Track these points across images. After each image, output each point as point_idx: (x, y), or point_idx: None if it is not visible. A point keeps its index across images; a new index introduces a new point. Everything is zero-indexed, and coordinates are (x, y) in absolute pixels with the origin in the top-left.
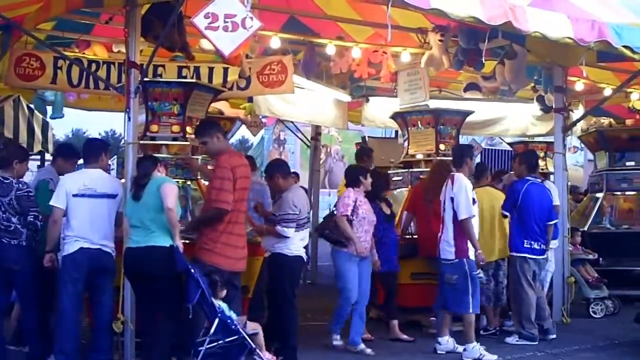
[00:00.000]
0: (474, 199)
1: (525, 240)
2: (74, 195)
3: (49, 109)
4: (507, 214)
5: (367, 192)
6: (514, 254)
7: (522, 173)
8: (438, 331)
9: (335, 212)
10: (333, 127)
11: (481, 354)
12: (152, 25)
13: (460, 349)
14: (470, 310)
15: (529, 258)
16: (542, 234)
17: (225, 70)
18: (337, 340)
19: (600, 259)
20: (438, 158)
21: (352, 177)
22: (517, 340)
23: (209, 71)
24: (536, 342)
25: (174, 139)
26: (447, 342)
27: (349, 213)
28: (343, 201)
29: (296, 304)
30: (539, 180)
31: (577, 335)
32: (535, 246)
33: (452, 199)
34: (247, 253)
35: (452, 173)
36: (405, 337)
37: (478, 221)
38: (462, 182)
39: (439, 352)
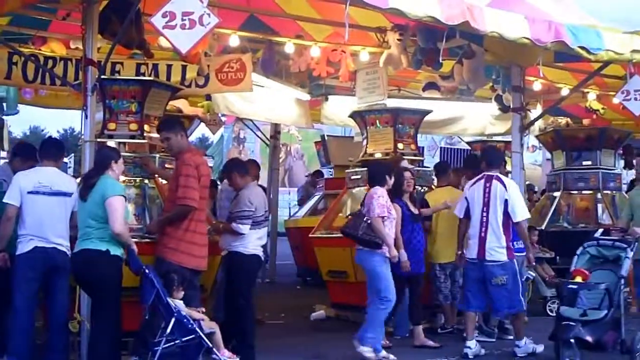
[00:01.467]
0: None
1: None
2: (29, 192)
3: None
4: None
5: (388, 190)
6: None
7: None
8: (468, 333)
9: (362, 212)
10: (295, 125)
11: (534, 347)
12: (110, 22)
13: (482, 351)
14: (524, 308)
15: None
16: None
17: (184, 68)
18: (371, 352)
19: (557, 257)
20: (396, 156)
21: (379, 175)
22: (476, 336)
23: (168, 69)
24: (494, 340)
25: (132, 137)
26: (525, 343)
27: (386, 214)
28: (378, 201)
29: (253, 303)
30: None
31: (535, 333)
32: None
33: (506, 201)
34: (208, 251)
35: (490, 174)
36: (431, 343)
37: (434, 221)
38: (513, 184)
39: (470, 356)
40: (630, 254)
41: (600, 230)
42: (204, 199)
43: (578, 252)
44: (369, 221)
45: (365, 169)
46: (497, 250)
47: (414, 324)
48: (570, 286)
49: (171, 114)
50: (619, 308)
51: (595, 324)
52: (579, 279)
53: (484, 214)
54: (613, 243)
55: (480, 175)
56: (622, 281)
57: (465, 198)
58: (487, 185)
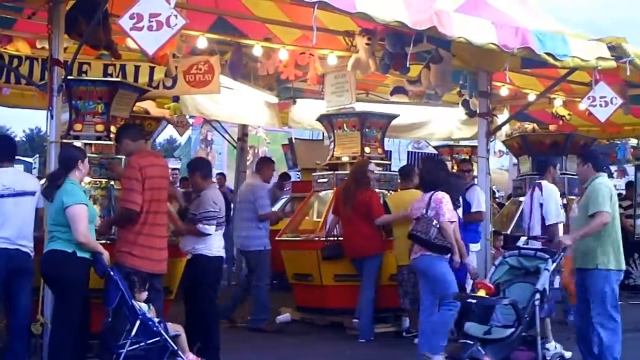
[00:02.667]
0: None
1: None
2: None
3: None
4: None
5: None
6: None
7: None
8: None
9: (428, 216)
10: (266, 126)
11: (559, 351)
12: (77, 22)
13: (567, 354)
14: (552, 310)
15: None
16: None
17: (152, 69)
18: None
19: None
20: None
21: (433, 183)
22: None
23: (135, 70)
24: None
25: (98, 138)
26: (555, 347)
27: (455, 218)
28: (447, 206)
29: (217, 304)
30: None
31: None
32: None
33: (541, 205)
34: (169, 254)
35: (538, 181)
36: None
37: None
38: (551, 190)
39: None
40: (552, 266)
41: (524, 238)
42: (160, 201)
43: (496, 262)
44: (438, 225)
45: (332, 172)
46: None
47: None
48: (469, 301)
49: (138, 115)
50: (533, 326)
51: (500, 344)
52: (481, 293)
53: (529, 220)
54: (535, 253)
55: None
56: (538, 296)
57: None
58: (532, 192)
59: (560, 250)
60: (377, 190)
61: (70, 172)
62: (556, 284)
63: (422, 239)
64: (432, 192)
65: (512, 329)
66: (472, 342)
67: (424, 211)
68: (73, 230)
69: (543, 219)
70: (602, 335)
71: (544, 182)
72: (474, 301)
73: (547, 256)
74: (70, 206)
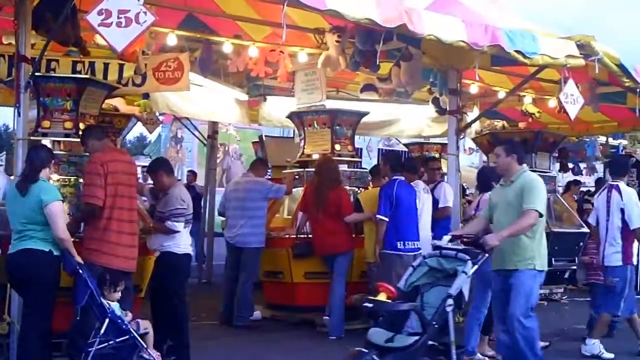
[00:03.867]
0: None
1: (399, 242)
2: None
3: None
4: (385, 218)
5: None
6: (387, 251)
7: (387, 173)
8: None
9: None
10: (235, 123)
11: (600, 351)
12: (44, 18)
13: (606, 355)
14: (619, 313)
15: (400, 255)
16: (415, 232)
17: (121, 66)
18: None
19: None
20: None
21: (488, 182)
22: None
23: (104, 67)
24: None
25: (67, 136)
26: (593, 344)
27: None
28: None
29: (186, 302)
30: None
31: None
32: (409, 245)
33: (622, 210)
34: (139, 252)
35: (612, 183)
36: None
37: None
38: (630, 193)
39: (583, 352)
40: (471, 269)
41: (447, 237)
42: (124, 196)
43: (415, 263)
44: None
45: (303, 169)
46: (614, 255)
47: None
48: (366, 305)
49: (107, 112)
50: (446, 334)
51: (401, 353)
52: (382, 297)
53: (606, 222)
54: (456, 254)
55: (605, 185)
56: (450, 301)
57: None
58: (609, 194)
59: (483, 252)
60: (347, 187)
61: (42, 171)
62: None
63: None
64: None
65: (416, 337)
66: (367, 351)
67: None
68: (53, 227)
69: (623, 223)
70: (522, 334)
71: (622, 185)
72: (370, 305)
73: (467, 258)
74: (50, 203)
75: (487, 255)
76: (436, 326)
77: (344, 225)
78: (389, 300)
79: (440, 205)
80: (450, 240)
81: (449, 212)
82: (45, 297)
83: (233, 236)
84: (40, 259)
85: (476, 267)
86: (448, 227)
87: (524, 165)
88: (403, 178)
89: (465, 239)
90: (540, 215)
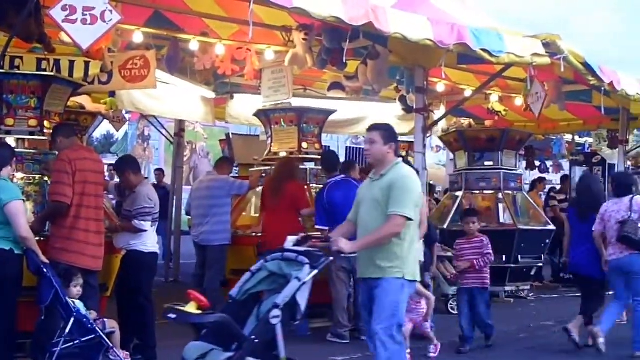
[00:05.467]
0: None
1: None
2: None
3: None
4: (325, 228)
5: None
6: None
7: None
8: None
9: (632, 219)
10: (201, 122)
11: None
12: (7, 13)
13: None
14: None
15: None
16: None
17: (87, 64)
18: None
19: None
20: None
21: (629, 186)
22: (330, 337)
23: (70, 64)
24: (347, 341)
25: (31, 134)
26: None
27: None
28: None
29: (153, 300)
30: (341, 177)
31: (436, 331)
32: None
33: None
34: (105, 251)
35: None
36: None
37: None
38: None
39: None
40: (307, 275)
41: (294, 237)
42: (91, 195)
43: (254, 268)
44: None
45: (270, 167)
46: None
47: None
48: (169, 316)
49: (73, 110)
50: (273, 349)
51: None
52: (191, 307)
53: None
54: (297, 257)
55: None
56: (277, 312)
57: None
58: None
59: (329, 255)
60: (315, 185)
61: (3, 170)
62: None
63: (633, 240)
64: (631, 196)
65: (231, 354)
66: None
67: (628, 214)
68: (15, 226)
69: None
70: (385, 356)
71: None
72: (172, 316)
73: (306, 261)
74: (10, 202)
75: (330, 258)
76: (257, 341)
77: (297, 220)
78: (197, 311)
79: None
80: (303, 241)
81: None
82: (8, 297)
83: (198, 234)
84: (2, 257)
85: (316, 272)
86: None
87: (397, 158)
88: (340, 177)
89: (314, 240)
90: (410, 219)
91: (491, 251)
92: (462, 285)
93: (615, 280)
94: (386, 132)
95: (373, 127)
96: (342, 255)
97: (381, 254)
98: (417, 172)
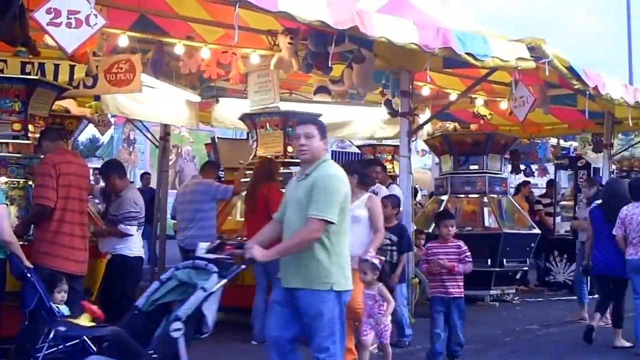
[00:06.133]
0: None
1: None
2: None
3: None
4: None
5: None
6: None
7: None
8: None
9: None
10: (185, 126)
11: None
12: None
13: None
14: None
15: None
16: None
17: (72, 67)
18: None
19: None
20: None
21: None
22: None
23: (55, 68)
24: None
25: (15, 137)
26: None
27: None
28: None
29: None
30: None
31: (421, 334)
32: None
33: None
34: (89, 255)
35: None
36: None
37: None
38: None
39: None
40: (214, 284)
41: (206, 244)
42: (75, 199)
43: (164, 276)
44: None
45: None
46: None
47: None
48: (58, 329)
49: (58, 114)
50: None
51: None
52: (84, 319)
53: None
54: (206, 265)
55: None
56: (178, 325)
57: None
58: None
59: (242, 263)
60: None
61: None
62: None
63: None
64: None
65: None
66: None
67: None
68: None
69: None
70: None
71: None
72: (62, 329)
73: (215, 270)
74: None
75: (243, 267)
76: (155, 356)
77: None
78: (89, 324)
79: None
80: (217, 247)
81: (399, 216)
82: None
83: (183, 239)
84: None
85: (224, 281)
86: None
87: (328, 155)
88: None
89: (229, 246)
90: (332, 223)
91: (471, 258)
92: (436, 294)
93: (637, 280)
94: (321, 126)
95: (307, 120)
96: (256, 263)
97: (305, 261)
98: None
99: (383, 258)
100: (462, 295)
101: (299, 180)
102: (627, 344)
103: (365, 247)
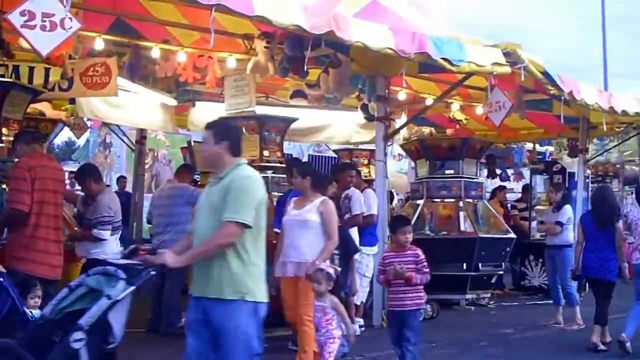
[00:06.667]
0: None
1: None
2: None
3: None
4: (279, 231)
5: None
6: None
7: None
8: None
9: None
10: (160, 130)
11: None
12: None
13: None
14: None
15: None
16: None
17: (47, 70)
18: None
19: None
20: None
21: None
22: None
23: (30, 71)
24: None
25: None
26: None
27: None
28: None
29: None
30: None
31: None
32: None
33: None
34: (65, 259)
35: None
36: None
37: None
38: None
39: None
40: (120, 292)
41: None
42: (50, 203)
43: (74, 283)
44: None
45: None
46: None
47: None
48: None
49: (32, 117)
50: None
51: None
52: None
53: None
54: (116, 271)
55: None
56: (79, 335)
57: None
58: None
59: (151, 269)
60: (275, 193)
61: None
62: None
63: None
64: None
65: None
66: None
67: None
68: None
69: None
70: None
71: None
72: None
73: (122, 276)
74: None
75: (152, 273)
76: None
77: None
78: None
79: (365, 213)
80: (132, 252)
81: (374, 220)
82: None
83: (159, 243)
84: None
85: (132, 288)
86: (374, 234)
87: (240, 158)
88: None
89: (142, 251)
90: (248, 227)
91: (428, 268)
92: (390, 307)
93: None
94: (218, 129)
95: (207, 126)
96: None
97: (217, 269)
98: (372, 181)
99: (339, 268)
100: (419, 308)
101: (211, 186)
102: (602, 347)
103: (317, 254)
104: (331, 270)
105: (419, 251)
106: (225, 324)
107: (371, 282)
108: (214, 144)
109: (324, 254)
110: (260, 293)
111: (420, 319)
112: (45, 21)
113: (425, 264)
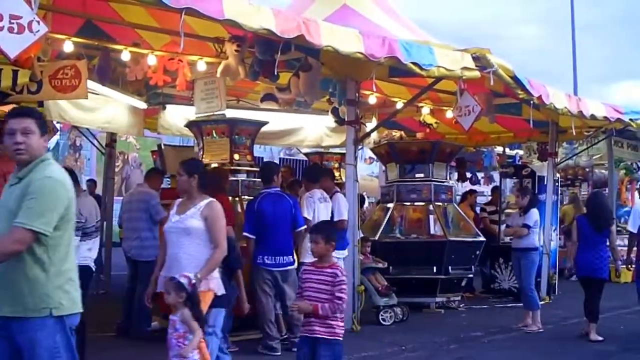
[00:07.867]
0: None
1: (260, 256)
2: None
3: None
4: (251, 236)
5: None
6: (253, 265)
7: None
8: None
9: None
10: (128, 134)
11: None
12: None
13: None
14: None
15: (260, 269)
16: (285, 244)
17: (15, 72)
18: None
19: (390, 267)
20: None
21: None
22: (260, 349)
23: None
24: (278, 353)
25: None
26: None
27: None
28: None
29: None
30: (275, 190)
31: (367, 342)
32: (269, 260)
33: None
34: None
35: None
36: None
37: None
38: None
39: None
40: None
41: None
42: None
43: None
44: None
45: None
46: None
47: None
48: None
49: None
50: None
51: None
52: None
53: None
54: None
55: None
56: None
57: None
58: None
59: None
60: (246, 197)
61: None
62: None
63: None
64: None
65: None
66: None
67: None
68: None
69: None
70: None
71: None
72: None
73: None
74: None
75: None
76: None
77: None
78: None
79: (335, 218)
80: None
81: (344, 225)
82: None
83: (129, 249)
84: None
85: None
86: (345, 238)
87: (48, 154)
88: (274, 190)
89: None
90: (43, 235)
91: (345, 293)
92: (302, 333)
93: None
94: (41, 119)
95: (24, 113)
96: None
97: (15, 283)
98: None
99: (194, 280)
100: (336, 337)
101: (10, 185)
102: (599, 338)
103: (201, 266)
104: (183, 280)
105: (339, 271)
106: (28, 345)
107: None
108: (41, 136)
109: (209, 265)
110: (69, 303)
111: (341, 350)
112: (12, 23)
113: (343, 287)
